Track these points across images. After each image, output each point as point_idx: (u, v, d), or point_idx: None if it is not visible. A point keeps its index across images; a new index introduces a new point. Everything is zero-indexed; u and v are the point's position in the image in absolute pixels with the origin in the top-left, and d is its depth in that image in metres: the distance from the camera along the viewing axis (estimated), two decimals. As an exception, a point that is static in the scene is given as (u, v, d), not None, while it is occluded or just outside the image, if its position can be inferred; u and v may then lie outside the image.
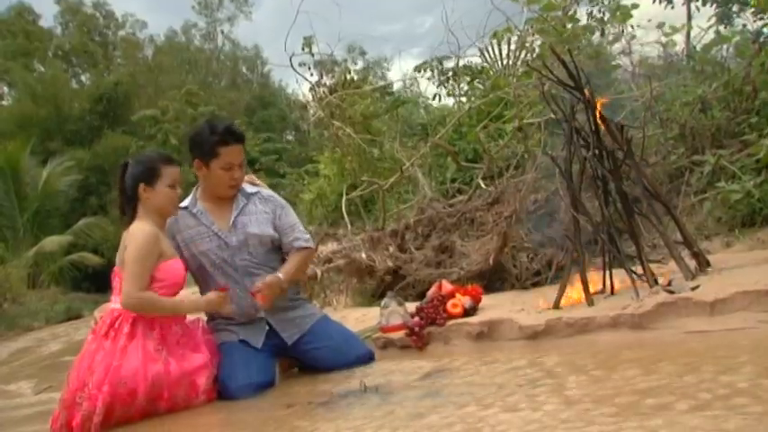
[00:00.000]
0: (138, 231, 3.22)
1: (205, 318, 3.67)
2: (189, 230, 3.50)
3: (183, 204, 3.52)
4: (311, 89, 9.33)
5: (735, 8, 11.79)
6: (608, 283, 3.79)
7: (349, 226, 6.95)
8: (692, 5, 12.54)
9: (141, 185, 3.30)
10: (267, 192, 3.71)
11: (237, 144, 3.50)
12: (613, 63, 7.93)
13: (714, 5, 11.22)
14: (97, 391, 2.97)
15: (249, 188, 3.65)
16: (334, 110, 8.18)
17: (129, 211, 3.34)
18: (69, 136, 27.29)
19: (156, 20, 61.50)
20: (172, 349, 3.20)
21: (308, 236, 3.71)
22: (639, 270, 3.61)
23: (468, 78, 10.39)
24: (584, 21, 7.52)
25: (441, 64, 10.77)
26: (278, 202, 3.67)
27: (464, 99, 9.95)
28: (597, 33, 7.87)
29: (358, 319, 4.72)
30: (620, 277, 3.73)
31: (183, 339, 3.29)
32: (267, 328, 3.54)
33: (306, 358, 3.62)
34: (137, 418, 3.04)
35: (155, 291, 3.20)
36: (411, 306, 4.11)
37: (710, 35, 7.68)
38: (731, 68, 6.23)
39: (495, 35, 8.85)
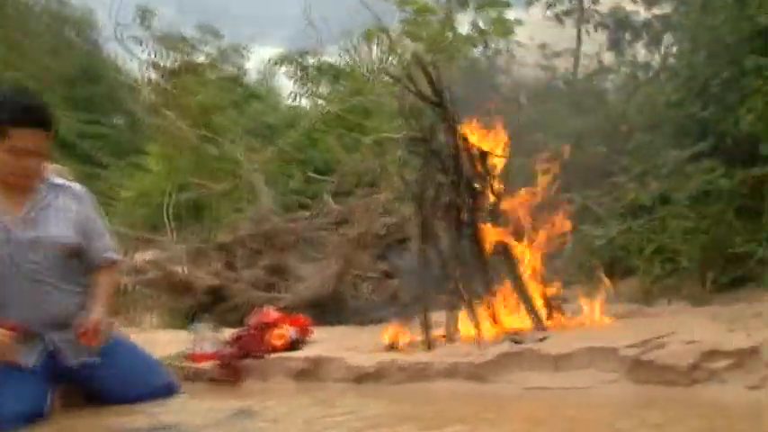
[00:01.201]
0: None
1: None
2: None
3: None
4: (144, 68, 9.08)
5: (627, 35, 12.39)
6: (452, 325, 3.85)
7: (172, 233, 6.78)
8: (583, 29, 13.18)
9: None
10: (78, 188, 3.51)
11: (37, 129, 3.26)
12: (492, 82, 8.23)
13: (606, 31, 11.92)
14: None
15: (58, 180, 3.43)
16: (171, 97, 7.99)
17: None
18: None
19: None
20: None
21: (116, 247, 3.60)
22: (488, 314, 3.71)
23: (330, 78, 10.45)
24: (465, 29, 7.77)
25: (302, 58, 10.78)
26: (87, 202, 3.48)
27: (322, 102, 10.00)
28: (480, 47, 8.15)
29: (167, 343, 4.58)
30: (464, 320, 3.80)
31: None
32: (43, 347, 3.33)
33: (91, 387, 3.41)
34: None
35: None
36: (230, 333, 4.03)
37: (596, 63, 8.16)
38: (608, 102, 6.63)
39: (368, 35, 8.97)
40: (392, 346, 3.73)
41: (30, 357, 3.26)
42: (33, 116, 3.25)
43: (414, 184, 4.03)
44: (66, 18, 36.18)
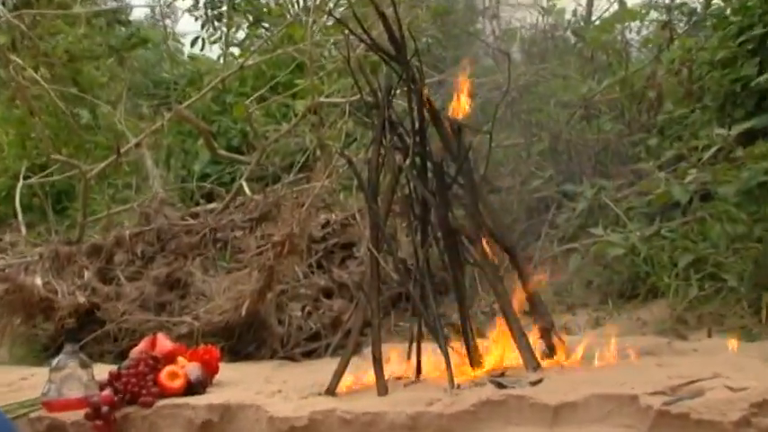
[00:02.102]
0: None
1: None
2: None
3: None
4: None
5: None
6: (415, 362, 3.90)
7: (24, 230, 6.73)
8: None
9: None
10: None
11: None
12: (472, 29, 8.27)
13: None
14: None
15: None
16: (22, 38, 7.90)
17: None
18: None
19: None
20: None
21: None
22: (463, 348, 3.77)
23: (249, 20, 10.40)
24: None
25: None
26: None
27: (237, 51, 9.97)
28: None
29: (12, 385, 4.56)
30: (434, 355, 3.84)
31: None
32: None
33: None
34: None
35: None
36: (107, 370, 4.04)
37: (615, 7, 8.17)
38: (629, 62, 6.67)
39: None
40: (331, 390, 3.76)
41: None
42: None
43: (364, 167, 4.05)
44: None
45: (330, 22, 7.73)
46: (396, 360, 3.92)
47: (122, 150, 6.77)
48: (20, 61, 7.45)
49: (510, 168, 6.05)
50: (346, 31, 4.61)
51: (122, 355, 4.99)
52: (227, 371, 4.29)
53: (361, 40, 3.99)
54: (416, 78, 3.84)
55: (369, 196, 3.95)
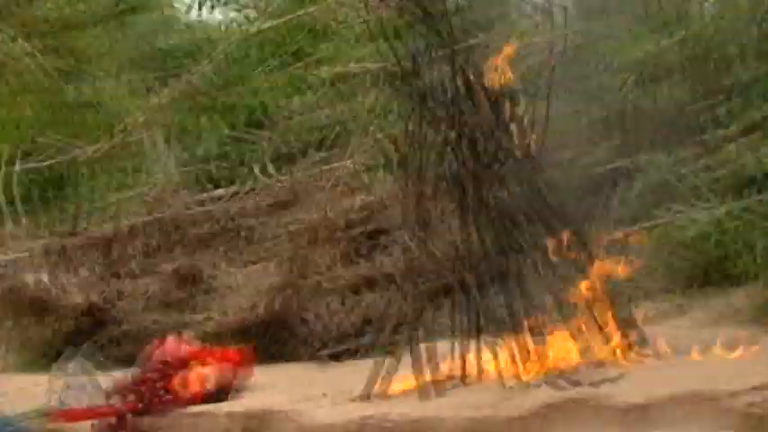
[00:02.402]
0: None
1: None
2: None
3: None
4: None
5: None
6: (463, 361, 3.87)
7: (21, 222, 6.77)
8: None
9: None
10: None
11: None
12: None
13: None
14: None
15: None
16: (6, 3, 7.93)
17: None
18: None
19: None
20: None
21: None
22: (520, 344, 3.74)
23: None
24: None
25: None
26: None
27: (248, 16, 9.95)
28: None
29: (21, 390, 4.59)
30: (486, 354, 3.83)
31: None
32: None
33: None
34: None
35: None
36: (117, 376, 4.05)
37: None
38: (699, 15, 6.61)
39: None
40: (375, 393, 3.76)
41: None
42: None
43: (400, 143, 4.02)
44: None
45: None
46: (447, 358, 3.88)
47: (124, 128, 6.78)
48: (5, 31, 7.47)
49: (564, 140, 5.96)
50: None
51: (131, 360, 5.03)
52: (264, 374, 4.34)
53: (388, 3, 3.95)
54: (453, 43, 3.81)
55: (409, 176, 3.95)
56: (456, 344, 3.91)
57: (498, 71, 3.98)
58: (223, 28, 10.35)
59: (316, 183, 5.73)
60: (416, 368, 3.76)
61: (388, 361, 3.86)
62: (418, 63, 3.89)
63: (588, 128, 6.26)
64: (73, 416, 3.85)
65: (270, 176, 6.17)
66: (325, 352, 5.03)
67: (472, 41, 4.69)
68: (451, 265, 3.92)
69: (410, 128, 3.97)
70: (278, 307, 5.07)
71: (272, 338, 5.08)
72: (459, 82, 3.86)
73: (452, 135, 3.88)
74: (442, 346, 3.94)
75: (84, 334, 5.34)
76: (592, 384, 3.40)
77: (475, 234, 3.87)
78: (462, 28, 3.93)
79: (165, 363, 3.95)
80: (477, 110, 3.92)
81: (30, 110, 8.05)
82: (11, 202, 7.09)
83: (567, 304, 3.82)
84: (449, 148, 3.90)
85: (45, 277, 5.57)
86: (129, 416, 3.84)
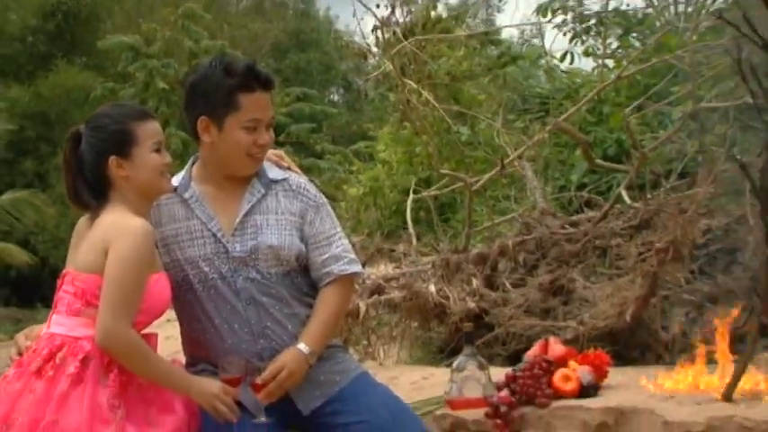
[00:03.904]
0: (132, 227, 3.15)
1: (183, 361, 3.68)
2: (175, 225, 3.44)
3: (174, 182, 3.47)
4: (376, 29, 9.33)
5: None
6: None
7: (414, 241, 6.95)
8: None
9: (112, 159, 3.25)
10: (298, 180, 3.61)
11: (265, 92, 3.42)
12: None
13: None
14: None
15: (273, 171, 3.56)
16: (408, 63, 8.18)
17: (98, 198, 3.28)
18: (1, 64, 27.72)
19: None
20: (132, 407, 3.13)
21: (352, 255, 3.59)
22: None
23: (619, 31, 10.31)
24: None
25: (579, 4, 10.73)
26: (311, 198, 3.56)
27: (611, 63, 9.86)
28: None
29: (415, 383, 4.71)
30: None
31: (149, 394, 3.22)
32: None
33: (328, 435, 3.56)
34: None
35: None
36: (498, 372, 4.10)
37: None
38: None
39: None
40: (728, 396, 3.64)
41: (259, 410, 3.40)
42: (261, 77, 3.42)
43: (754, 170, 3.90)
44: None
45: (704, 27, 7.56)
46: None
47: (506, 162, 6.84)
48: (413, 84, 7.68)
49: None
50: (732, 32, 4.45)
51: (510, 358, 5.07)
52: (615, 375, 4.23)
53: (751, 40, 3.82)
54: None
55: (762, 199, 3.82)
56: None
57: None
58: (591, 73, 10.36)
59: (667, 209, 5.60)
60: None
61: (740, 367, 3.71)
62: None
63: None
64: (470, 404, 3.87)
65: (626, 203, 6.08)
66: (681, 356, 4.87)
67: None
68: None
69: (763, 158, 3.83)
70: (640, 315, 4.96)
71: (636, 343, 5.00)
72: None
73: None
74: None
75: (472, 335, 5.36)
76: None
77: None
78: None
79: (546, 361, 3.94)
80: None
81: (428, 148, 8.27)
82: (415, 223, 7.28)
83: None
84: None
85: (443, 286, 5.67)
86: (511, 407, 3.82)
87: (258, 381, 3.23)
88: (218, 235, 3.41)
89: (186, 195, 3.45)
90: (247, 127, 3.36)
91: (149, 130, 3.30)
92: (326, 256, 3.49)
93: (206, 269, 3.40)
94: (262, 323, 3.38)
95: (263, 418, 3.30)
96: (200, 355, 3.49)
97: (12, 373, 3.13)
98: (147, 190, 3.29)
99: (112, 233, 3.14)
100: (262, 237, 3.42)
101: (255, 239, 3.42)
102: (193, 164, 3.57)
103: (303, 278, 3.53)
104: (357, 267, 3.62)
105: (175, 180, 3.48)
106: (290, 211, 3.50)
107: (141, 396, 3.20)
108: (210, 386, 3.18)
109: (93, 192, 3.29)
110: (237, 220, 3.43)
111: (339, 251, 3.51)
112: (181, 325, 3.55)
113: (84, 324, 3.12)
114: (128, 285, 3.09)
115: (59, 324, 3.16)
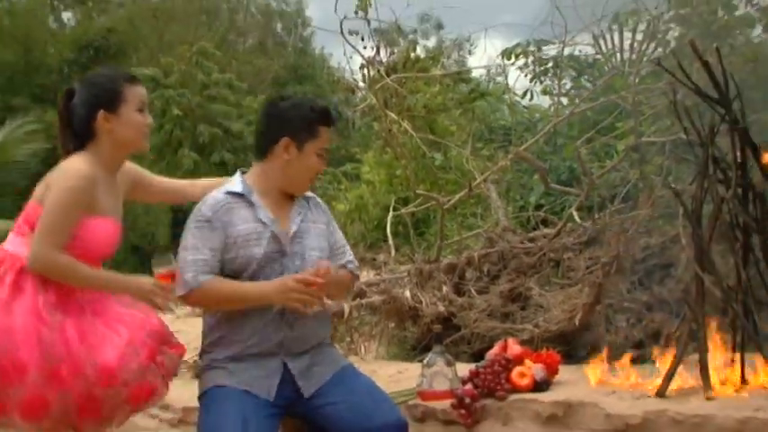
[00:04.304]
0: (73, 169, 3.15)
1: (197, 354, 3.70)
2: (245, 225, 3.49)
3: (233, 189, 3.55)
4: (363, 67, 9.33)
5: None
6: (736, 371, 3.71)
7: (393, 251, 6.94)
8: None
9: (101, 113, 3.26)
10: (316, 197, 3.82)
11: (332, 128, 3.63)
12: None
13: None
14: None
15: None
16: (390, 97, 8.18)
17: (78, 148, 3.29)
18: (39, 91, 27.35)
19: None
20: (73, 316, 3.12)
21: (356, 261, 3.81)
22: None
23: (573, 74, 10.35)
24: (741, 9, 7.45)
25: (538, 50, 10.72)
26: (327, 213, 3.80)
27: (565, 100, 9.90)
28: (758, 28, 7.75)
29: (392, 376, 4.70)
30: (755, 365, 3.68)
31: (91, 307, 3.21)
32: (282, 375, 3.51)
33: (317, 416, 3.55)
34: (32, 411, 2.94)
35: (69, 251, 3.11)
36: (463, 368, 4.08)
37: None
38: None
39: (616, 18, 8.79)
40: (661, 392, 3.65)
41: (268, 387, 3.44)
42: (334, 116, 3.64)
43: (686, 197, 3.92)
44: (274, 12, 38.42)
45: (645, 72, 7.60)
46: (720, 368, 3.73)
47: (473, 185, 6.86)
48: (394, 116, 7.68)
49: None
50: (668, 78, 4.48)
51: (474, 356, 5.06)
52: (565, 372, 4.22)
53: (685, 85, 3.85)
54: (738, 119, 3.71)
55: (693, 222, 3.84)
56: (733, 356, 3.75)
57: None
58: (548, 109, 10.40)
59: (611, 228, 5.63)
60: (703, 374, 3.63)
61: (672, 366, 3.72)
62: (706, 136, 3.79)
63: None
64: (439, 396, 3.85)
65: (577, 222, 6.11)
66: (623, 356, 4.87)
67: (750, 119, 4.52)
68: (722, 294, 3.78)
69: (694, 187, 3.85)
70: (587, 320, 4.97)
71: (582, 344, 5.00)
72: (738, 152, 3.73)
73: (728, 194, 3.76)
74: (720, 357, 3.78)
75: (442, 335, 5.35)
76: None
77: (742, 271, 3.71)
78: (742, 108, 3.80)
79: (505, 359, 3.94)
80: (751, 174, 3.81)
81: (406, 171, 8.27)
82: (394, 236, 7.28)
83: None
84: (727, 204, 3.78)
85: (417, 292, 5.67)
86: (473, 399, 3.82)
87: (316, 269, 3.38)
88: (280, 236, 3.49)
89: (252, 200, 3.51)
90: (320, 154, 3.55)
91: (137, 93, 3.36)
92: (344, 260, 3.73)
93: (264, 264, 3.47)
94: (295, 319, 3.47)
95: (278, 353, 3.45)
96: (227, 338, 3.51)
97: None
98: (126, 145, 3.35)
99: (57, 172, 3.19)
100: (308, 241, 3.57)
101: (302, 243, 3.55)
102: (245, 175, 3.64)
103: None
104: (359, 271, 4.02)
105: (238, 187, 3.54)
106: (321, 221, 3.69)
107: (82, 309, 3.21)
108: (145, 283, 3.25)
109: (76, 142, 3.31)
110: (293, 226, 3.55)
111: (350, 257, 3.77)
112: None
113: (25, 243, 3.13)
114: (56, 218, 3.08)
115: (9, 243, 3.19)
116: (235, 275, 3.44)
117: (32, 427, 2.97)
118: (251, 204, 3.49)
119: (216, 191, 3.55)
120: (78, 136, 3.30)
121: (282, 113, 3.55)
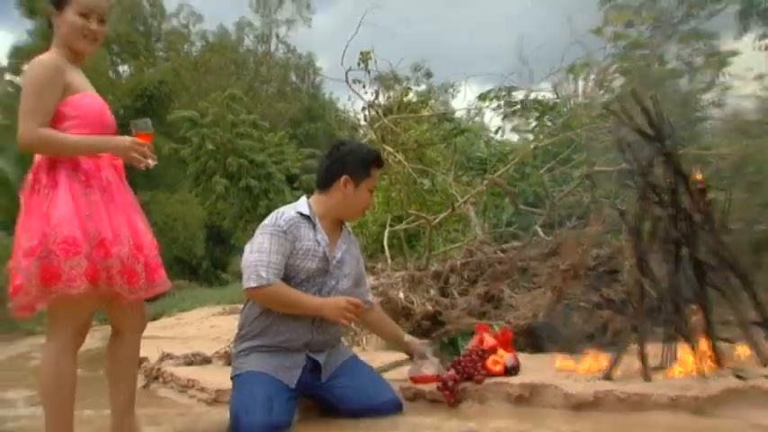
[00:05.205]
0: (35, 63, 3.05)
1: (232, 343, 3.74)
2: (305, 242, 3.57)
3: (302, 210, 3.62)
4: (364, 108, 9.38)
5: None
6: (669, 358, 3.72)
7: (389, 260, 6.95)
8: None
9: (51, 9, 3.14)
10: (351, 232, 3.91)
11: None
12: (701, 114, 7.88)
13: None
14: (30, 245, 2.90)
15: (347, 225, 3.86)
16: (387, 133, 8.22)
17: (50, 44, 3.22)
18: (100, 133, 27.44)
19: (214, 11, 62.21)
20: (101, 197, 3.08)
21: (371, 293, 4.05)
22: (707, 347, 3.58)
23: (537, 114, 10.38)
24: (673, 63, 7.52)
25: (509, 94, 10.78)
26: (359, 247, 3.93)
27: (530, 136, 9.94)
28: (686, 79, 7.83)
29: (388, 362, 4.70)
30: (683, 353, 3.67)
31: (110, 189, 3.14)
32: (305, 365, 3.57)
33: (329, 396, 3.67)
34: (94, 275, 2.93)
35: (67, 130, 3.03)
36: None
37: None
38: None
39: (571, 69, 8.84)
40: (608, 375, 3.66)
41: (292, 375, 3.51)
42: (382, 160, 3.83)
43: (630, 218, 3.95)
44: (291, 64, 38.46)
45: (596, 113, 7.63)
46: (655, 355, 3.75)
47: (456, 206, 6.88)
48: (390, 149, 7.71)
49: (739, 216, 5.63)
50: (614, 119, 4.51)
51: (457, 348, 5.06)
52: (531, 361, 4.24)
53: (628, 125, 3.89)
54: (670, 152, 3.74)
55: (634, 237, 3.87)
56: (665, 346, 3.74)
57: (696, 178, 3.88)
58: (518, 143, 10.40)
59: (569, 242, 5.63)
60: (640, 360, 3.62)
61: (617, 354, 3.73)
62: (644, 167, 3.81)
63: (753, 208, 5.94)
64: (427, 379, 3.87)
65: (541, 237, 6.11)
66: (578, 347, 4.86)
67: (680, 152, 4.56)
68: (658, 295, 3.79)
69: (635, 208, 3.88)
70: (541, 319, 4.97)
71: (545, 337, 4.98)
72: (672, 180, 3.76)
73: (663, 214, 3.78)
74: (656, 347, 3.79)
75: (429, 330, 5.38)
76: (759, 376, 3.22)
77: (678, 277, 3.74)
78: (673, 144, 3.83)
79: (482, 350, 3.95)
80: (681, 198, 3.80)
81: (400, 194, 8.28)
82: (390, 248, 7.27)
83: (740, 322, 3.65)
84: (662, 222, 3.80)
85: (409, 294, 5.67)
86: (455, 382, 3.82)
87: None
88: (328, 257, 3.62)
89: (315, 222, 3.62)
90: (370, 189, 3.71)
91: (89, 1, 3.15)
92: (361, 290, 3.92)
93: (310, 276, 3.59)
94: (323, 323, 3.62)
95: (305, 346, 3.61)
96: (264, 331, 3.60)
97: (21, 201, 3.07)
98: (66, 43, 3.18)
99: (25, 71, 3.13)
100: (344, 268, 3.72)
101: (340, 269, 3.69)
102: (310, 200, 3.74)
103: None
104: (374, 300, 4.20)
105: (305, 210, 3.64)
106: (355, 254, 3.85)
107: (107, 190, 3.14)
108: (126, 140, 3.14)
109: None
110: (339, 253, 3.69)
111: (367, 288, 4.04)
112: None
113: None
114: (29, 100, 2.98)
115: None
116: (285, 279, 3.51)
117: (93, 290, 2.94)
118: (313, 226, 3.58)
119: (288, 208, 3.64)
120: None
121: (344, 156, 3.66)
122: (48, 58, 3.09)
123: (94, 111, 3.18)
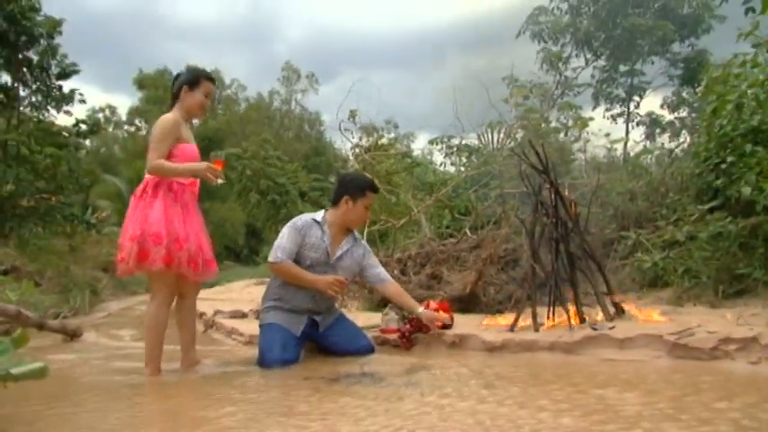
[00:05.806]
0: (163, 118, 3.13)
1: (260, 303, 3.72)
2: (314, 239, 3.50)
3: (316, 218, 3.54)
4: (352, 148, 9.41)
5: (657, 130, 13.32)
6: (551, 317, 3.77)
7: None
8: (630, 125, 14.92)
9: (184, 87, 3.20)
10: (362, 239, 3.76)
11: (375, 195, 3.64)
12: (572, 157, 7.97)
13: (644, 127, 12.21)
14: (134, 233, 2.98)
15: (357, 234, 3.72)
16: (367, 165, 8.24)
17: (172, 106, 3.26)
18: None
19: (254, 82, 63.19)
20: (183, 209, 3.14)
21: (383, 272, 3.75)
22: (575, 310, 3.63)
23: (467, 153, 10.46)
24: (554, 123, 7.62)
25: (448, 140, 10.85)
26: (365, 246, 3.71)
27: (462, 168, 9.99)
28: (562, 134, 7.95)
29: (366, 320, 4.69)
30: (559, 314, 3.72)
31: (189, 206, 3.18)
32: (307, 321, 3.56)
33: (324, 341, 3.64)
34: (169, 260, 2.99)
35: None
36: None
37: (641, 146, 7.85)
38: (652, 172, 6.29)
39: (489, 125, 8.93)
40: (511, 329, 3.70)
41: (298, 327, 3.49)
42: (376, 186, 3.67)
43: (527, 223, 3.99)
44: (304, 118, 38.44)
45: (507, 153, 7.72)
46: (543, 315, 3.79)
47: (412, 214, 6.90)
48: (369, 176, 7.62)
49: (594, 224, 5.73)
50: (518, 158, 4.55)
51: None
52: (461, 319, 4.24)
53: (526, 162, 3.94)
54: (553, 181, 3.78)
55: (530, 237, 3.91)
56: (548, 310, 3.79)
57: (569, 196, 3.95)
58: (454, 173, 10.37)
59: (487, 239, 5.66)
60: (532, 319, 3.66)
61: (517, 314, 3.78)
62: (537, 189, 3.83)
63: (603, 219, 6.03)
64: (389, 331, 3.85)
65: (469, 236, 6.13)
66: (493, 310, 4.89)
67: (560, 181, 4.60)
68: (545, 275, 3.83)
69: (533, 217, 3.90)
70: (468, 291, 4.97)
71: (470, 303, 5.00)
72: (554, 199, 3.80)
73: (548, 221, 3.81)
74: (544, 309, 3.83)
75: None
76: (606, 329, 3.27)
77: (557, 263, 3.77)
78: (555, 175, 3.86)
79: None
80: (560, 211, 3.82)
81: (374, 206, 8.23)
82: (368, 243, 7.20)
83: (595, 294, 3.70)
84: (547, 227, 3.82)
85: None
86: (410, 333, 3.80)
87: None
88: (329, 252, 3.50)
89: (324, 227, 3.51)
90: (366, 207, 3.56)
91: (208, 85, 3.25)
92: (373, 273, 3.68)
93: (313, 264, 3.48)
94: (322, 296, 3.51)
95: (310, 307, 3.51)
96: (282, 297, 3.53)
97: (132, 201, 3.12)
98: (188, 109, 3.25)
99: (156, 123, 3.17)
100: (343, 263, 3.56)
101: (340, 263, 3.54)
102: (327, 212, 3.61)
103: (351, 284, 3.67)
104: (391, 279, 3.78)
105: (318, 217, 3.55)
106: (358, 254, 3.63)
107: (188, 205, 3.18)
108: (203, 165, 3.12)
109: (172, 102, 3.28)
110: (339, 252, 3.54)
111: (380, 270, 3.70)
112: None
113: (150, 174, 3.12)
114: (155, 142, 3.06)
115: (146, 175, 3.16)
116: (297, 262, 3.47)
117: (167, 270, 3.01)
118: (322, 229, 3.52)
119: (306, 215, 3.60)
120: (173, 99, 3.28)
121: (346, 182, 3.60)
122: (171, 116, 3.16)
123: (192, 155, 3.22)
